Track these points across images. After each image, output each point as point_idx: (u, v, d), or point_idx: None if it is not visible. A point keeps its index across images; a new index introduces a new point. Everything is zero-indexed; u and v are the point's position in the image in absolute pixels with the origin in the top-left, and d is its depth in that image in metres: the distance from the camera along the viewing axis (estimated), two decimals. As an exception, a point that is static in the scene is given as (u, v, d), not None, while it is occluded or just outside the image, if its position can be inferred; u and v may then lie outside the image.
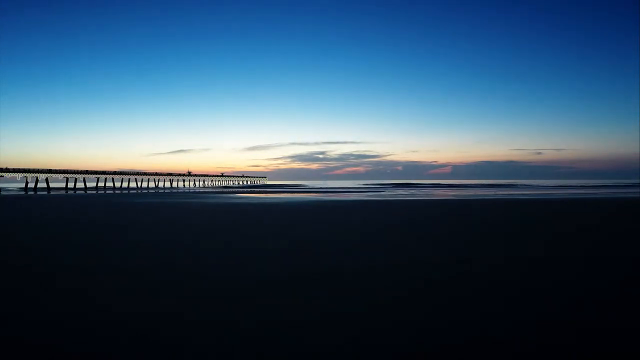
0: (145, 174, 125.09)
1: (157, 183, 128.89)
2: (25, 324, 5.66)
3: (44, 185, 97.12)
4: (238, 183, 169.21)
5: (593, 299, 6.74)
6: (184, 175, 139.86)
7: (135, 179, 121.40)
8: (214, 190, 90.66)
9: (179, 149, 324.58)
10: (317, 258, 10.27)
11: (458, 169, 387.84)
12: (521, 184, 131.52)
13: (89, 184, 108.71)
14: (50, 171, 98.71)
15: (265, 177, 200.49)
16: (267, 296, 6.97)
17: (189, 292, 7.25)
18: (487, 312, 6.06)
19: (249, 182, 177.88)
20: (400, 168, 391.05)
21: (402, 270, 8.83)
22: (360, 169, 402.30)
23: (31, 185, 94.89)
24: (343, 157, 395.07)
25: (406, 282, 7.83)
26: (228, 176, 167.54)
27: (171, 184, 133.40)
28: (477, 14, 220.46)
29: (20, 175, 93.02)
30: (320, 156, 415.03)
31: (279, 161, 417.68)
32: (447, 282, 7.87)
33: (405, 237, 13.96)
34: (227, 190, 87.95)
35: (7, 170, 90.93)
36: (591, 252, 11.05)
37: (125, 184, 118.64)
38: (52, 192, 74.45)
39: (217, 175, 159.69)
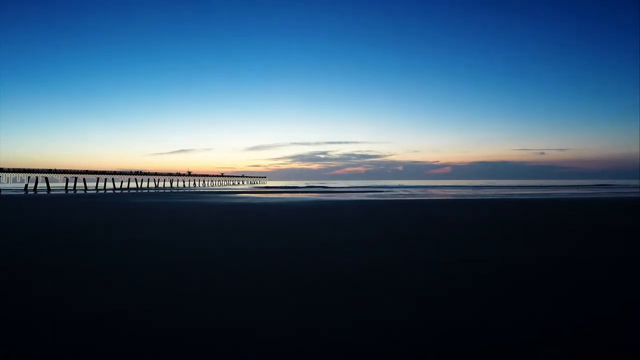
0: (145, 173, 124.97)
1: (157, 183, 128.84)
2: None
3: (44, 185, 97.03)
4: (238, 183, 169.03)
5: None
6: (184, 175, 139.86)
7: (135, 179, 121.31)
8: (214, 190, 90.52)
9: (181, 148, 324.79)
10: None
11: (459, 169, 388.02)
12: (524, 184, 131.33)
13: (89, 184, 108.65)
14: (50, 171, 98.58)
15: (265, 177, 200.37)
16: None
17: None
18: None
19: (248, 183, 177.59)
20: (400, 168, 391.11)
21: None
22: (361, 169, 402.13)
23: (31, 185, 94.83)
24: (344, 157, 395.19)
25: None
26: (228, 176, 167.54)
27: (171, 184, 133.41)
28: (478, 13, 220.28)
29: (20, 175, 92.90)
30: (322, 156, 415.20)
31: (280, 161, 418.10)
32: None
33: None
34: (227, 190, 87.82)
35: (6, 170, 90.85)
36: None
37: (125, 184, 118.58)
38: (52, 192, 74.41)
39: (217, 175, 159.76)
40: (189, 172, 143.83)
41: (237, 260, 9.98)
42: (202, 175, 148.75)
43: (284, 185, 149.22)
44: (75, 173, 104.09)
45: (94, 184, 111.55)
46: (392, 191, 74.42)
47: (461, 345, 4.89)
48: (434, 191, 75.31)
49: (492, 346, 4.86)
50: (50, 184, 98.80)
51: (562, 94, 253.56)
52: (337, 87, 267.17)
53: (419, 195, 57.56)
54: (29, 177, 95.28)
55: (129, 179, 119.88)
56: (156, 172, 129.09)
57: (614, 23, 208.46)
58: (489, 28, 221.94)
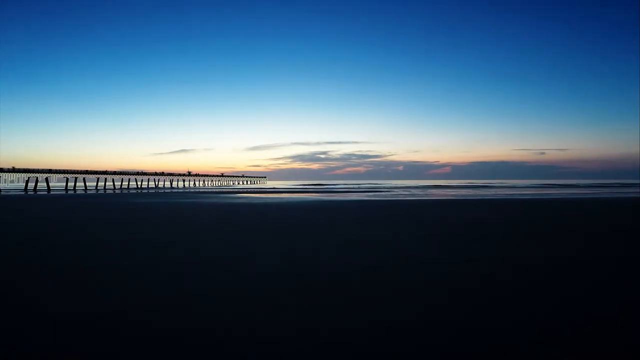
0: (145, 173, 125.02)
1: (157, 183, 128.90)
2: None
3: (44, 185, 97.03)
4: (238, 184, 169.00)
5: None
6: (184, 175, 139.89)
7: (135, 178, 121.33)
8: (214, 190, 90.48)
9: (181, 148, 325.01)
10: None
11: (459, 169, 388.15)
12: (524, 184, 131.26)
13: (89, 184, 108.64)
14: (50, 171, 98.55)
15: (265, 177, 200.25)
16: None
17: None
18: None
19: (248, 183, 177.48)
20: (400, 168, 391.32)
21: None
22: (361, 169, 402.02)
23: (31, 185, 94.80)
24: (344, 157, 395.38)
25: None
26: (228, 176, 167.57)
27: (171, 184, 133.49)
28: (478, 13, 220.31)
29: (20, 175, 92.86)
30: (322, 156, 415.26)
31: (280, 161, 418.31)
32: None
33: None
34: (227, 190, 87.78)
35: (6, 170, 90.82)
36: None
37: (125, 184, 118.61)
38: (52, 192, 74.40)
39: (217, 175, 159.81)
40: (189, 172, 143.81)
41: (238, 260, 9.98)
42: (202, 175, 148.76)
43: (284, 185, 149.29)
44: (75, 173, 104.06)
45: (94, 183, 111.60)
46: (392, 191, 74.33)
47: (461, 345, 4.89)
48: (434, 191, 75.25)
49: (493, 346, 4.85)
50: (50, 184, 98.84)
51: (562, 94, 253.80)
52: (337, 87, 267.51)
53: (419, 195, 57.54)
54: (29, 177, 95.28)
55: (129, 179, 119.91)
56: (156, 172, 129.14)
57: (614, 23, 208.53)
58: (489, 28, 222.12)
